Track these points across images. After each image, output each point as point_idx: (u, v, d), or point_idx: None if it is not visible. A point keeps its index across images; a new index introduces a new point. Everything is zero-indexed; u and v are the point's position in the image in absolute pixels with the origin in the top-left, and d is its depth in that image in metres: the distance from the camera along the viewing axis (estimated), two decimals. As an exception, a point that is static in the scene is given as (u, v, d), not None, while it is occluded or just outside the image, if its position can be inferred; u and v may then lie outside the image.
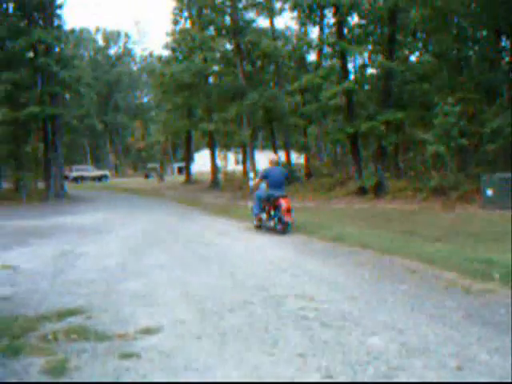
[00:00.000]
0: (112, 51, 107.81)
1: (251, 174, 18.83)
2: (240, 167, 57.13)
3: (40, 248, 13.34)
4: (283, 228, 14.73)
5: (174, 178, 71.66)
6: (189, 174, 52.79)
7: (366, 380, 4.80)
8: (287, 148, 39.40)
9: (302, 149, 42.86)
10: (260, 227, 15.85)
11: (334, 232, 14.04)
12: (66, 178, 62.19)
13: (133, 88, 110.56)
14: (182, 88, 40.40)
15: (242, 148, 53.04)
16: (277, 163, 16.46)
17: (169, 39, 44.95)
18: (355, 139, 26.38)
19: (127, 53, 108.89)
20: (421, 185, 24.04)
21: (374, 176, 25.88)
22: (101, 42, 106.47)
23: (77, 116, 67.39)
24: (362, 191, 25.75)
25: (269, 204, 15.27)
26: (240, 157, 61.57)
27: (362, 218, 18.12)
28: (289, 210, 14.59)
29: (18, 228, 18.59)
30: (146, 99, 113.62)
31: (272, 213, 15.22)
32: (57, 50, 34.19)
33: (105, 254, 12.16)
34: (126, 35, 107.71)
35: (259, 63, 38.73)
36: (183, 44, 41.91)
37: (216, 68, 42.15)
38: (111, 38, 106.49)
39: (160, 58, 47.08)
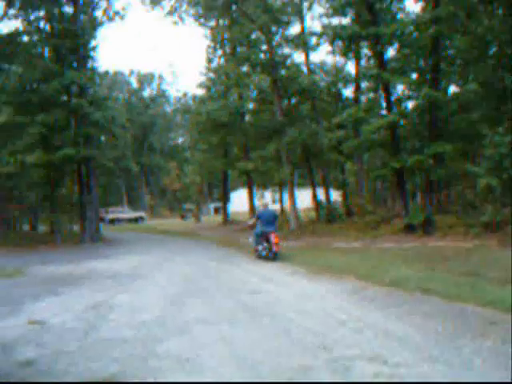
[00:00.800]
0: (146, 93, 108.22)
1: (251, 220, 22.78)
2: (277, 206, 56.24)
3: (71, 298, 12.38)
4: (273, 256, 18.88)
5: (210, 218, 70.85)
6: (226, 214, 51.89)
7: None
8: (326, 185, 38.29)
9: (341, 186, 41.84)
10: (259, 257, 19.69)
11: (389, 276, 12.89)
12: (102, 219, 61.93)
13: (167, 129, 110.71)
14: (218, 127, 39.67)
15: (279, 186, 52.20)
16: (267, 206, 21.39)
17: (203, 78, 44.62)
18: (401, 174, 25.18)
19: (161, 94, 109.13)
20: (472, 220, 22.74)
21: (421, 212, 24.60)
22: (135, 85, 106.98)
23: (112, 158, 67.12)
24: (409, 229, 24.46)
25: (262, 238, 19.52)
26: (277, 195, 60.85)
27: (415, 258, 16.81)
28: (276, 243, 18.83)
29: (50, 275, 17.67)
30: (180, 140, 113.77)
31: (265, 244, 19.34)
32: (90, 91, 33.76)
33: (141, 305, 11.13)
34: (160, 77, 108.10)
35: (296, 99, 37.87)
36: (218, 82, 41.40)
37: (251, 105, 41.51)
38: (145, 80, 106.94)
39: (195, 97, 46.59)
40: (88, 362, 7.09)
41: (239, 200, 71.10)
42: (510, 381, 4.90)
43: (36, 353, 7.65)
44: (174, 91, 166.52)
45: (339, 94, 41.74)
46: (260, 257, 19.59)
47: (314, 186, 38.74)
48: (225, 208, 52.61)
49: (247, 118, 42.98)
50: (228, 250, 25.20)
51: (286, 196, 50.18)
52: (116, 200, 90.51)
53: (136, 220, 68.06)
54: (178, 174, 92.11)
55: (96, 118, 31.89)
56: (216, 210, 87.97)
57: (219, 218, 58.75)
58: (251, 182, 44.43)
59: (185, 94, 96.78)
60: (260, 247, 19.66)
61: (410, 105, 30.23)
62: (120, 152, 78.80)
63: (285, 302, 10.74)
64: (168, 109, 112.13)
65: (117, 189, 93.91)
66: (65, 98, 33.02)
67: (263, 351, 7.16)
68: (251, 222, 22.15)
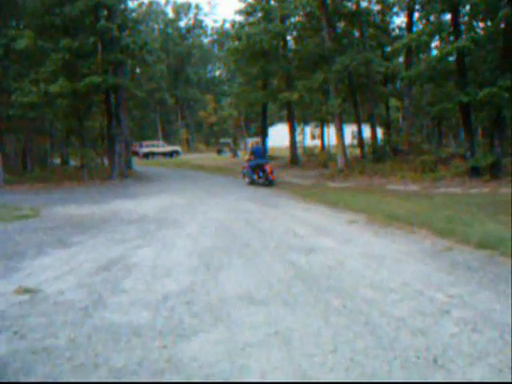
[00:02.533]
0: (182, 23, 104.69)
1: (247, 156, 27.54)
2: (316, 142, 53.70)
3: (82, 252, 10.03)
4: (269, 182, 23.50)
5: (241, 153, 68.38)
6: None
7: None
8: (372, 122, 35.29)
9: (385, 123, 38.91)
10: (253, 183, 24.35)
11: (474, 232, 10.24)
12: (136, 153, 60.42)
13: (204, 61, 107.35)
14: (258, 55, 36.64)
15: (321, 122, 49.36)
16: (259, 143, 27.45)
17: (242, 5, 41.22)
18: (467, 110, 22.24)
19: (198, 25, 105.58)
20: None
21: (489, 154, 21.74)
22: (171, 15, 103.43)
23: (147, 90, 64.66)
24: (474, 172, 21.68)
25: (258, 169, 24.00)
26: (316, 131, 58.16)
27: (494, 208, 14.01)
28: (271, 172, 23.52)
29: (67, 217, 15.38)
30: (217, 73, 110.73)
31: (260, 174, 23.89)
32: (119, 14, 30.66)
33: (165, 266, 8.66)
34: (197, 7, 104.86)
35: (343, 25, 34.45)
36: (259, 7, 38.18)
37: (295, 33, 38.19)
38: (181, 9, 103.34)
39: (234, 23, 43.07)
40: (74, 374, 4.67)
41: (277, 135, 68.61)
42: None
43: (8, 349, 5.29)
44: (211, 22, 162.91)
45: (389, 22, 38.37)
46: (252, 183, 24.37)
47: (359, 122, 35.86)
48: (263, 143, 50.00)
49: (290, 46, 39.79)
50: (268, 189, 22.70)
51: (328, 132, 47.50)
52: (151, 134, 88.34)
53: (171, 154, 65.99)
54: (215, 108, 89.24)
55: (125, 43, 29.13)
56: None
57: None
58: (292, 115, 41.51)
59: (223, 21, 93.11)
60: (254, 176, 24.31)
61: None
62: (155, 83, 76.22)
63: (352, 268, 8.18)
64: (205, 40, 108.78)
65: (152, 122, 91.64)
66: (91, 21, 30.11)
67: (344, 365, 4.65)
68: (247, 157, 26.76)
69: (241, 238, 11.07)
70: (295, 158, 40.14)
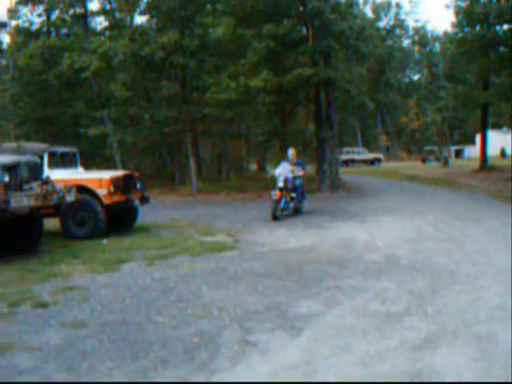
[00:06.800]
0: (382, 24, 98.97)
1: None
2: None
3: (313, 354, 5.28)
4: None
5: (453, 162, 62.22)
6: (484, 158, 42.85)
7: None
8: None
9: None
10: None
11: None
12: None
13: (405, 64, 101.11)
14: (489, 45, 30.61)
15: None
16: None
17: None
18: None
19: (399, 24, 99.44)
20: None
21: None
22: (370, 14, 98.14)
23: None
24: None
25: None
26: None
27: None
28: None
29: (277, 252, 10.83)
30: (416, 77, 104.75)
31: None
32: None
33: None
34: (397, 5, 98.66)
35: None
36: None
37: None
38: (381, 9, 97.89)
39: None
40: None
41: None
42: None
43: None
44: (412, 22, 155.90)
45: None
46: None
47: None
48: (484, 150, 43.58)
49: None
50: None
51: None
52: (349, 140, 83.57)
53: (372, 162, 61.82)
54: (417, 113, 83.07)
55: (340, 29, 24.20)
56: (457, 153, 78.84)
57: (461, 162, 50.89)
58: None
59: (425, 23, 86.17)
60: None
61: None
62: (354, 86, 71.80)
63: None
64: (405, 42, 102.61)
65: (350, 128, 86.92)
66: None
67: None
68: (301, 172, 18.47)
69: None
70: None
